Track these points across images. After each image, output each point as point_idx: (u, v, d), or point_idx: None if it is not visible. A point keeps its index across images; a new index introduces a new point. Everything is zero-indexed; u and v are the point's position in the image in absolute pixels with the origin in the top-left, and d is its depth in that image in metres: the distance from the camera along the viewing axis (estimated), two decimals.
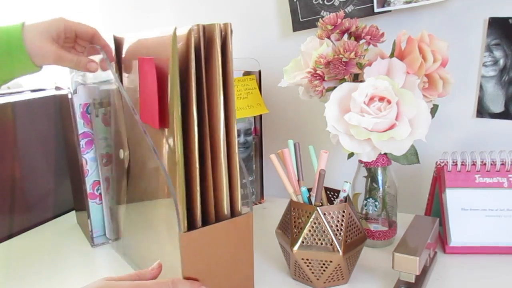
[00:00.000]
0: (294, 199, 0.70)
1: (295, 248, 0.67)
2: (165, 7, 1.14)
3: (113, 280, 0.56)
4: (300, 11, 0.96)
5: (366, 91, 0.68)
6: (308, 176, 0.72)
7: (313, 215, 0.66)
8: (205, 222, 0.61)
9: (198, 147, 0.59)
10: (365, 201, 0.81)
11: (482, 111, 0.88)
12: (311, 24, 0.95)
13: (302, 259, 0.67)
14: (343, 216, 0.67)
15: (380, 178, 0.79)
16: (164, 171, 0.60)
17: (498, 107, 0.87)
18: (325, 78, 0.73)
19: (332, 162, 0.79)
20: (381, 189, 0.80)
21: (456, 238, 0.75)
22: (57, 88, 0.91)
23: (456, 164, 0.79)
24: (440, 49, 0.72)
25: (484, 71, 0.86)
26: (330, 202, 0.75)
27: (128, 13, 1.19)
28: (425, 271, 0.68)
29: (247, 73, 0.98)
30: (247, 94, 0.96)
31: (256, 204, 1.02)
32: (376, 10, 0.89)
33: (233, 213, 0.63)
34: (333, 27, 0.72)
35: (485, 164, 0.78)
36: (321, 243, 0.66)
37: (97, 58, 0.74)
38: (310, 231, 0.67)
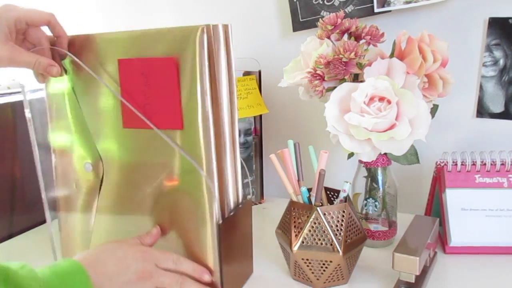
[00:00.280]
0: (294, 199, 0.70)
1: (295, 248, 0.67)
2: (165, 7, 1.14)
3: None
4: (300, 11, 0.96)
5: (366, 91, 0.68)
6: (308, 176, 0.72)
7: (313, 215, 0.66)
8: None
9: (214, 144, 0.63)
10: (365, 201, 0.81)
11: (482, 111, 0.88)
12: (311, 24, 0.95)
13: (302, 259, 0.67)
14: (343, 216, 0.67)
15: (380, 178, 0.79)
16: (199, 168, 0.62)
17: (498, 107, 0.87)
18: (325, 78, 0.73)
19: (332, 162, 0.79)
20: (381, 189, 0.80)
21: (456, 238, 0.75)
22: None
23: (456, 164, 0.79)
24: (440, 49, 0.72)
25: (484, 71, 0.86)
26: (330, 202, 0.75)
27: (128, 13, 1.19)
28: (425, 271, 0.68)
29: (247, 73, 0.98)
30: (247, 94, 0.96)
31: (256, 204, 1.02)
32: (376, 10, 0.89)
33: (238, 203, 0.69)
34: (333, 27, 0.72)
35: (485, 164, 0.78)
36: (321, 243, 0.66)
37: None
38: (310, 231, 0.67)
